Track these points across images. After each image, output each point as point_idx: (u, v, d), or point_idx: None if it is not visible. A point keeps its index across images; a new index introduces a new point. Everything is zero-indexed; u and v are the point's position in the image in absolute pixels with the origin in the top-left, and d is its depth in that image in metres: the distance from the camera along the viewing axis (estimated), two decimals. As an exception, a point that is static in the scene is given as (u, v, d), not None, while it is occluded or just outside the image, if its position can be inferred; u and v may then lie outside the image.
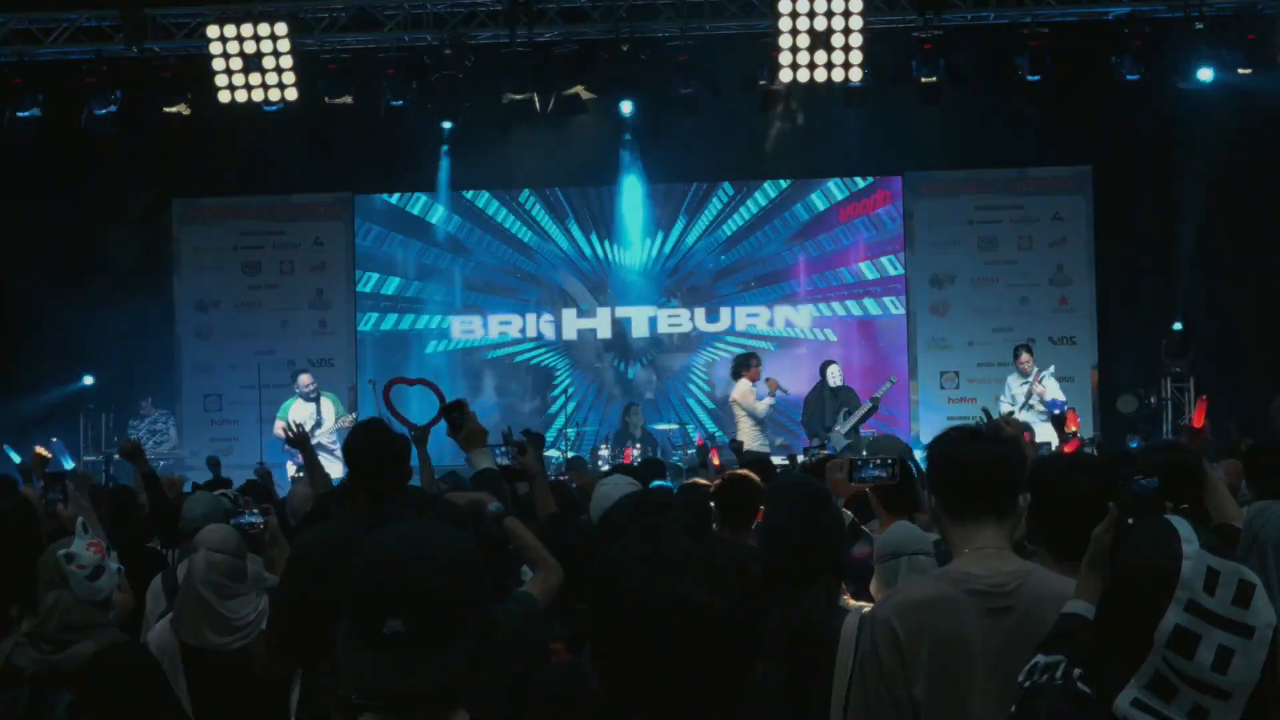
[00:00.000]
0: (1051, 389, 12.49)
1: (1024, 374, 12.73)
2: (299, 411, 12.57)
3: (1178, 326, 13.77)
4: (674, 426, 14.21)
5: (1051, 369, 12.81)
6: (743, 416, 12.71)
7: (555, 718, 2.82)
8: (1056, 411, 10.46)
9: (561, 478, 6.48)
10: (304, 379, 12.84)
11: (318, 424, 12.49)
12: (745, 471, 4.71)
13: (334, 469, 8.40)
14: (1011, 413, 8.00)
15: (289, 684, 4.19)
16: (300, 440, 6.95)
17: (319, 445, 12.53)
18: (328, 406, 12.89)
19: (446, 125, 13.78)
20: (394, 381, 10.08)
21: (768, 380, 12.67)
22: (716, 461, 8.03)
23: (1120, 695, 1.87)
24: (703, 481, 5.43)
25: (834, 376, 13.05)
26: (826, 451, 8.35)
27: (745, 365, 12.85)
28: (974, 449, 2.92)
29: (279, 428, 11.86)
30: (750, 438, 12.30)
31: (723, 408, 14.19)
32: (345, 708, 2.19)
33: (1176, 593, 1.85)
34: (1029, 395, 12.45)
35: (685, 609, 1.70)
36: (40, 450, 7.23)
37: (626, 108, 13.54)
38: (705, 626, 1.70)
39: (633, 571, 1.75)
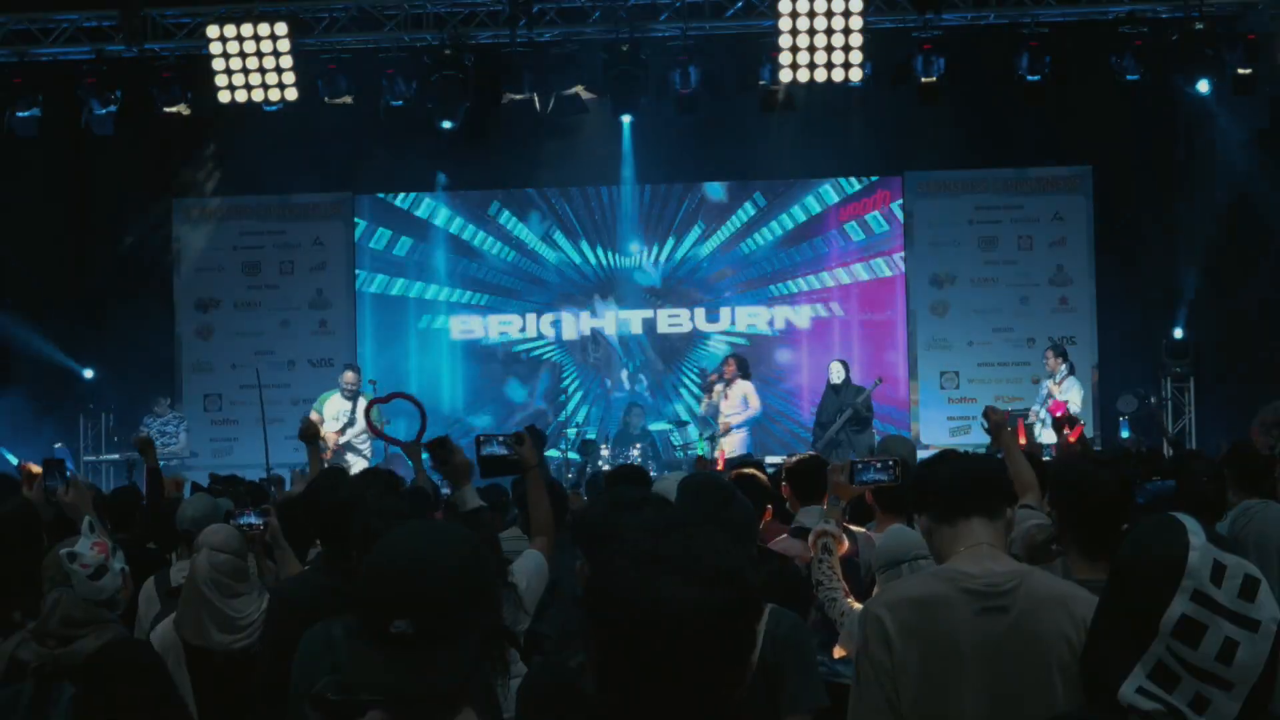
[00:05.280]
0: (1067, 390, 12.34)
1: (1050, 373, 12.66)
2: (334, 406, 12.53)
3: (1178, 328, 13.78)
4: (671, 427, 14.22)
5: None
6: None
7: (538, 716, 2.81)
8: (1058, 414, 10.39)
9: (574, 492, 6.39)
10: (349, 375, 12.70)
11: (350, 423, 12.43)
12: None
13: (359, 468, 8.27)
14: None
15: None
16: (309, 435, 6.37)
17: (349, 445, 12.49)
18: (363, 406, 12.82)
19: (446, 125, 13.76)
20: (372, 403, 9.91)
21: None
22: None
23: (1125, 684, 1.88)
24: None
25: (836, 374, 13.00)
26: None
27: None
28: (958, 459, 3.06)
29: (315, 418, 11.80)
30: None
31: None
32: (322, 705, 2.19)
33: (1183, 582, 1.87)
34: (1048, 396, 12.21)
35: (670, 610, 1.69)
36: (30, 466, 7.09)
37: (626, 109, 13.49)
38: (691, 628, 1.69)
39: (622, 573, 1.74)
